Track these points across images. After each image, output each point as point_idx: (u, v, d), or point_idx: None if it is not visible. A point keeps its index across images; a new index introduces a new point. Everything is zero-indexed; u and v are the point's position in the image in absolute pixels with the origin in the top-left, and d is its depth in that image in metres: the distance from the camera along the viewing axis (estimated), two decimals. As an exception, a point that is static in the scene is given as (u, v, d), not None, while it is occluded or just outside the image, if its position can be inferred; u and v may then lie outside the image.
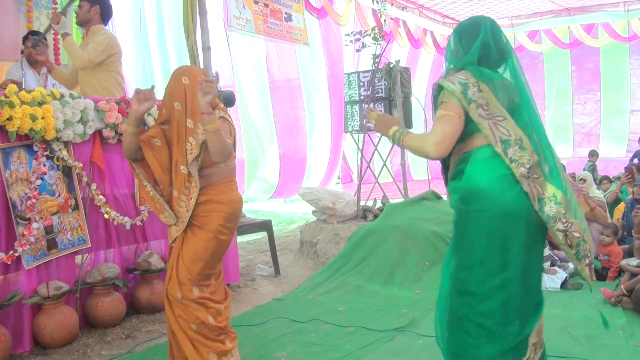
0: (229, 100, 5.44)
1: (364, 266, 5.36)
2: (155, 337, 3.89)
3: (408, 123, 7.24)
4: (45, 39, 5.19)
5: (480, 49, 2.46)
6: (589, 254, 2.49)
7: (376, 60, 6.73)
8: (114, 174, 4.15)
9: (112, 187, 4.12)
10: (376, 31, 6.77)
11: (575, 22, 10.90)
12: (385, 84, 7.30)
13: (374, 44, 6.87)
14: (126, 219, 4.12)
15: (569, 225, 2.39)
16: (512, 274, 2.43)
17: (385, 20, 9.02)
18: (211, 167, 2.97)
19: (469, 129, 2.44)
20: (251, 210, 8.52)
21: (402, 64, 7.16)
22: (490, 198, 2.45)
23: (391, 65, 6.77)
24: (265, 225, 5.75)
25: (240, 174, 8.31)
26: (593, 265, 2.55)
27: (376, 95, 7.39)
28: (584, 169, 7.97)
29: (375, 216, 6.29)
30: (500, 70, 2.52)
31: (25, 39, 5.08)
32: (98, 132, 3.99)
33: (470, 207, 2.49)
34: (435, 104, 2.50)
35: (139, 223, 4.23)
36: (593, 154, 10.30)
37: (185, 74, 3.02)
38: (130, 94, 5.01)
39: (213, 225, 2.96)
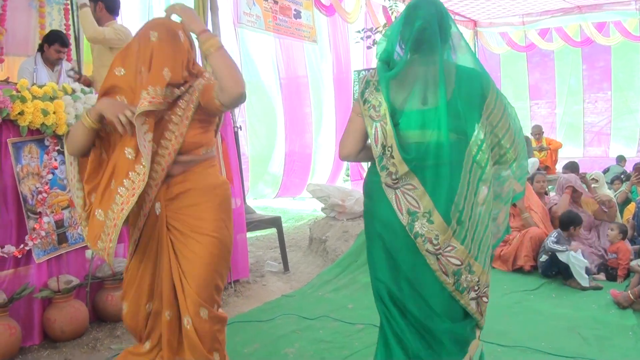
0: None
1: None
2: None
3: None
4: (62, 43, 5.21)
5: (399, 33, 2.30)
6: (477, 287, 2.29)
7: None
8: (124, 169, 4.15)
9: (122, 182, 4.12)
10: (387, 26, 6.73)
11: (587, 20, 10.80)
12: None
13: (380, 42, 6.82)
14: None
15: (445, 249, 2.22)
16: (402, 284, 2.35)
17: (396, 17, 8.97)
18: (189, 152, 2.40)
19: None
20: (260, 206, 8.51)
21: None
22: (368, 203, 2.43)
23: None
24: (274, 222, 5.75)
25: (246, 171, 8.31)
26: (485, 301, 2.34)
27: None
28: (614, 176, 7.72)
29: (386, 214, 6.27)
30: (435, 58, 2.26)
31: (42, 47, 5.10)
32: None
33: (364, 207, 2.49)
34: None
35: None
36: (621, 159, 9.78)
37: (155, 28, 2.34)
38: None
39: (209, 223, 2.42)
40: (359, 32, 7.41)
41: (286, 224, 7.07)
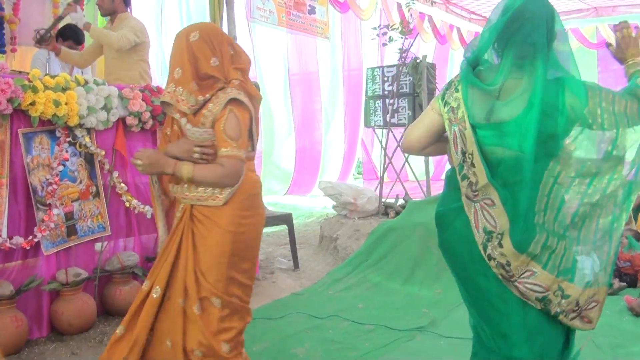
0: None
1: (384, 263, 5.29)
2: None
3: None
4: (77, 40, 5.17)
5: (497, 33, 2.02)
6: (577, 307, 2.05)
7: (403, 54, 6.61)
8: (136, 162, 4.12)
9: (133, 176, 4.09)
10: (405, 24, 6.66)
11: (604, 22, 10.66)
12: (410, 80, 7.19)
13: (401, 37, 6.75)
14: (147, 207, 4.08)
15: (521, 275, 2.01)
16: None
17: (411, 15, 8.91)
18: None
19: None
20: (271, 202, 8.47)
21: (429, 60, 7.05)
22: (441, 234, 2.24)
23: (418, 61, 6.65)
24: (285, 219, 5.70)
25: (258, 167, 8.28)
26: (592, 306, 2.07)
27: (400, 90, 7.29)
28: None
29: (397, 213, 6.21)
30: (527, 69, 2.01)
31: (65, 36, 5.07)
32: (121, 120, 3.96)
33: (438, 241, 2.29)
34: None
35: (156, 213, 4.20)
36: None
37: (197, 29, 2.43)
38: (156, 82, 5.01)
39: (226, 217, 2.41)
40: (375, 28, 7.32)
41: (296, 221, 7.01)
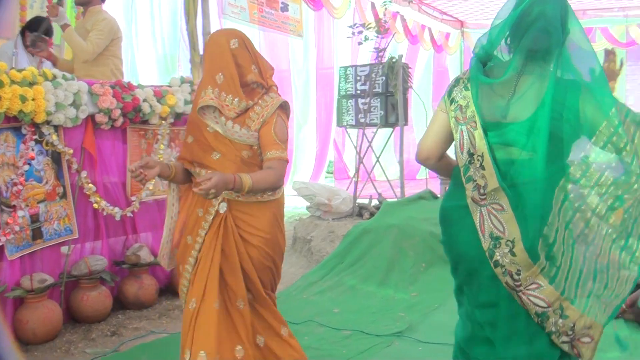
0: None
1: (360, 266, 5.22)
2: (143, 336, 3.72)
3: (406, 119, 7.12)
4: (46, 33, 4.94)
5: (509, 28, 1.93)
6: (571, 332, 1.97)
7: (380, 54, 6.56)
8: (105, 161, 3.97)
9: (102, 176, 3.94)
10: (380, 24, 6.60)
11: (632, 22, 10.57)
12: (383, 79, 7.14)
13: (375, 37, 6.70)
14: (116, 209, 3.93)
15: (527, 286, 1.94)
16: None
17: (385, 14, 8.86)
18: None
19: None
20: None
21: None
22: (445, 230, 2.18)
23: (394, 60, 6.60)
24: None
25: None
26: (585, 341, 1.99)
27: (373, 90, 7.23)
28: None
29: (372, 214, 6.15)
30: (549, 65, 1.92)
31: (23, 32, 4.84)
32: (91, 117, 3.79)
33: (442, 238, 2.24)
34: None
35: (129, 214, 4.05)
36: None
37: (235, 36, 2.45)
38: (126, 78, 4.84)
39: (263, 225, 2.49)
40: (350, 27, 7.25)
41: (268, 222, 6.88)
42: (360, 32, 6.77)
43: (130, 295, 4.03)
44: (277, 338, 2.62)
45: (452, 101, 2.04)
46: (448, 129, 2.07)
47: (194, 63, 4.80)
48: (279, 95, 2.54)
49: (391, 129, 7.71)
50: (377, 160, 7.72)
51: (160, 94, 4.19)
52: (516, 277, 1.93)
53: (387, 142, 8.65)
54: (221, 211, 2.46)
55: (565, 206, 1.93)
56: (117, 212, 3.93)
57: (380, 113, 7.60)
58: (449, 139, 2.11)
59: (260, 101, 2.46)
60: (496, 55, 2.00)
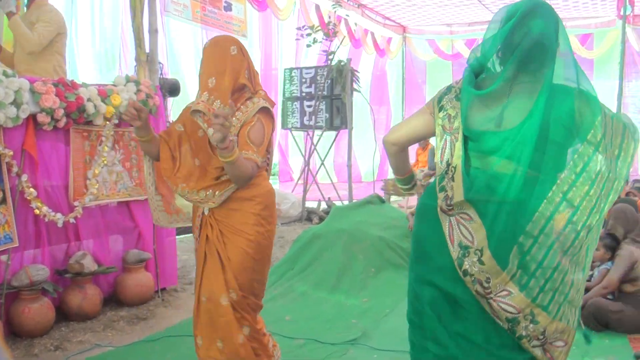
0: (174, 89, 5.09)
1: (310, 271, 5.16)
2: (88, 349, 3.53)
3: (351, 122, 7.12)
4: None
5: (502, 40, 1.93)
6: (542, 336, 1.97)
7: (329, 57, 6.51)
8: (47, 164, 3.73)
9: (44, 180, 3.70)
10: (330, 27, 6.57)
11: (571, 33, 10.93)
12: (328, 82, 7.11)
13: (323, 39, 6.65)
14: (58, 215, 3.70)
15: (497, 293, 1.93)
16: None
17: (330, 17, 8.84)
18: None
19: None
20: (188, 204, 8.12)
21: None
22: (417, 227, 2.18)
23: (342, 64, 6.58)
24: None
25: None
26: (558, 345, 2.00)
27: (319, 92, 7.19)
28: None
29: (321, 219, 6.10)
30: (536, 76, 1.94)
31: None
32: (32, 117, 3.55)
33: (412, 233, 2.25)
34: None
35: (72, 220, 3.82)
36: None
37: (233, 43, 2.58)
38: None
39: (248, 227, 2.55)
40: (299, 28, 7.18)
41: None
42: (308, 35, 6.71)
43: (73, 306, 3.80)
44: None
45: (441, 108, 2.03)
46: (425, 129, 2.12)
47: (140, 61, 4.60)
48: (267, 99, 2.62)
49: (335, 132, 7.70)
50: (322, 164, 7.69)
51: (105, 94, 3.98)
52: (485, 284, 1.92)
53: (331, 145, 8.65)
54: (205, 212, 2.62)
55: (556, 217, 1.91)
56: (59, 218, 3.70)
57: (326, 116, 7.59)
58: (420, 136, 2.19)
59: (242, 106, 2.54)
60: (489, 67, 2.00)
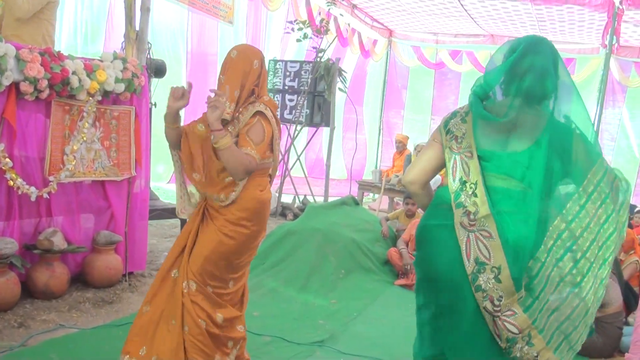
0: (160, 70, 4.99)
1: (282, 268, 5.12)
2: (52, 329, 3.43)
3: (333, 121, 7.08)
4: None
5: (503, 74, 2.11)
6: None
7: (320, 54, 6.46)
8: (25, 135, 3.61)
9: (20, 151, 3.58)
10: (323, 24, 6.51)
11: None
12: (310, 78, 7.07)
13: (313, 36, 6.60)
14: (32, 189, 3.59)
15: (504, 312, 2.02)
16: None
17: (320, 14, 8.78)
18: None
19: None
20: (155, 187, 7.97)
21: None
22: (422, 250, 2.28)
23: (331, 63, 6.53)
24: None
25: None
26: None
27: (301, 87, 7.14)
28: None
29: (295, 215, 6.06)
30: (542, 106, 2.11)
31: None
32: (15, 85, 3.42)
33: (416, 258, 2.36)
34: None
35: (45, 195, 3.70)
36: None
37: (256, 57, 2.74)
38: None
39: (219, 222, 2.71)
40: (290, 22, 7.10)
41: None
42: (299, 29, 6.64)
43: (39, 284, 3.68)
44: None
45: (447, 131, 2.15)
46: (438, 160, 2.20)
47: (129, 39, 4.48)
48: (268, 104, 2.73)
49: (315, 129, 7.67)
50: (298, 159, 7.65)
51: (90, 68, 3.87)
52: (497, 302, 2.00)
53: (309, 141, 8.61)
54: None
55: (558, 244, 2.00)
56: (33, 192, 3.58)
57: (306, 112, 7.54)
58: (437, 169, 2.24)
59: (242, 109, 2.67)
60: (490, 96, 2.15)
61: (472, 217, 2.03)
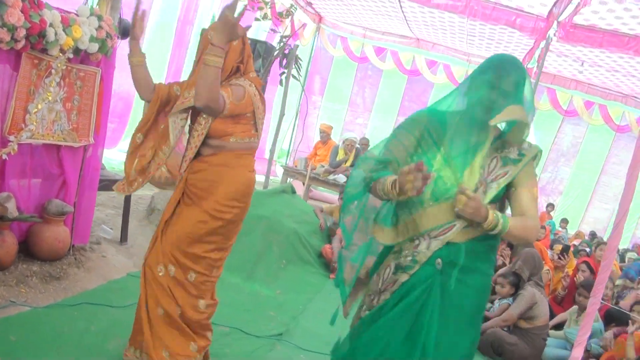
0: (126, 31, 4.62)
1: (228, 256, 4.95)
2: (3, 306, 3.13)
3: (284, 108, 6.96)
4: None
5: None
6: None
7: (284, 39, 6.28)
8: (-8, 87, 3.20)
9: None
10: (291, 8, 6.35)
11: (421, 54, 11.46)
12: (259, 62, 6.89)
13: (270, 18, 6.42)
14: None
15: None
16: None
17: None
18: (218, 138, 2.70)
19: None
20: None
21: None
22: None
23: (289, 47, 6.40)
24: (119, 182, 4.97)
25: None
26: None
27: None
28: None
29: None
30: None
31: None
32: (-9, 31, 3.03)
33: None
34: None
35: (4, 157, 3.32)
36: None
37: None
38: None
39: (207, 203, 2.70)
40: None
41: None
42: (261, 9, 6.43)
43: (-12, 254, 3.32)
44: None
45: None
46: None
47: (103, -6, 4.11)
48: (253, 80, 2.73)
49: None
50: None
51: (67, 22, 3.50)
52: None
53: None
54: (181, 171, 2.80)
55: None
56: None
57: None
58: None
59: (225, 82, 2.65)
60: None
61: None
